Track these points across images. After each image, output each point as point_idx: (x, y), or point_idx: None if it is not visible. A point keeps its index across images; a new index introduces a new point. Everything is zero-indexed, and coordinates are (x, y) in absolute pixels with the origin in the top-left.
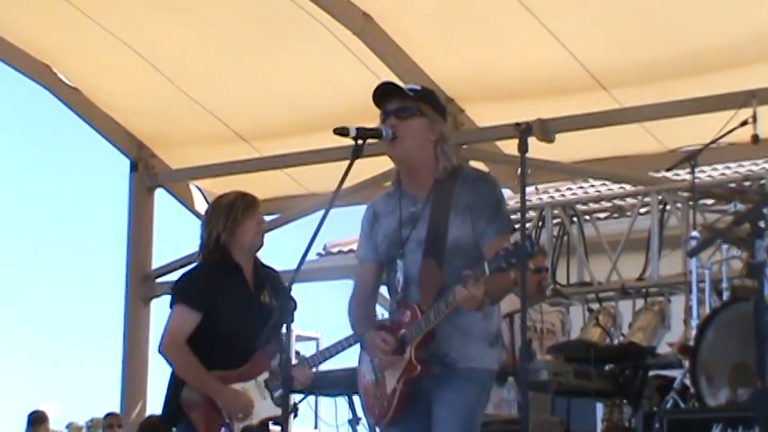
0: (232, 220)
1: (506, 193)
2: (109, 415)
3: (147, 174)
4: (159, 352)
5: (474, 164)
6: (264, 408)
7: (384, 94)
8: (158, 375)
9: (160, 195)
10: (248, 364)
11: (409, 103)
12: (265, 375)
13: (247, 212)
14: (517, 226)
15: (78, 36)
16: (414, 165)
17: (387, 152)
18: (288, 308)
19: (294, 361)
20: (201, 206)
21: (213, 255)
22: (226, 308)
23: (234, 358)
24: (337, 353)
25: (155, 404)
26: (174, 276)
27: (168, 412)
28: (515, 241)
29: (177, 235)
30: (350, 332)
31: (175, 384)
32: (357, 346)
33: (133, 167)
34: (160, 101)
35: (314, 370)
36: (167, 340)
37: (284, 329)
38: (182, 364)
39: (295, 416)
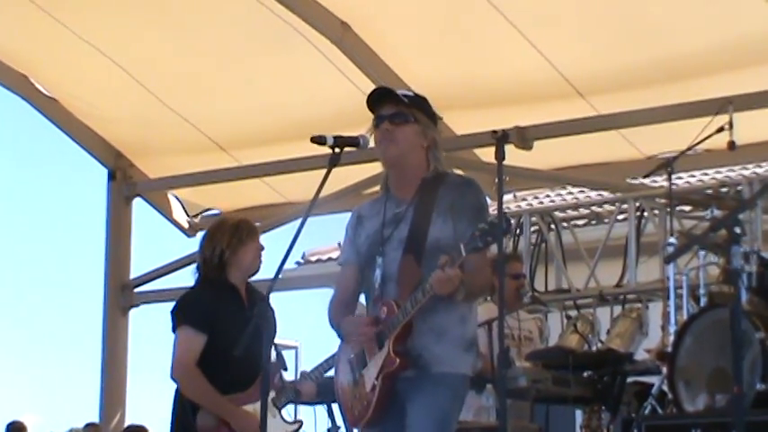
0: (237, 239)
1: None
2: (88, 425)
3: (125, 183)
4: (171, 378)
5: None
6: (276, 427)
7: (378, 99)
8: (137, 385)
9: (138, 205)
10: (254, 386)
11: (403, 108)
12: (272, 394)
13: (251, 235)
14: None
15: (55, 46)
16: (404, 169)
17: (379, 156)
18: (265, 315)
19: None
20: (180, 215)
21: (215, 271)
22: (227, 330)
23: (240, 381)
24: None
25: (133, 413)
26: (153, 285)
27: None
28: (491, 220)
29: (155, 244)
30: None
31: (183, 409)
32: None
33: (111, 177)
34: (138, 110)
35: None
36: (177, 366)
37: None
38: (194, 388)
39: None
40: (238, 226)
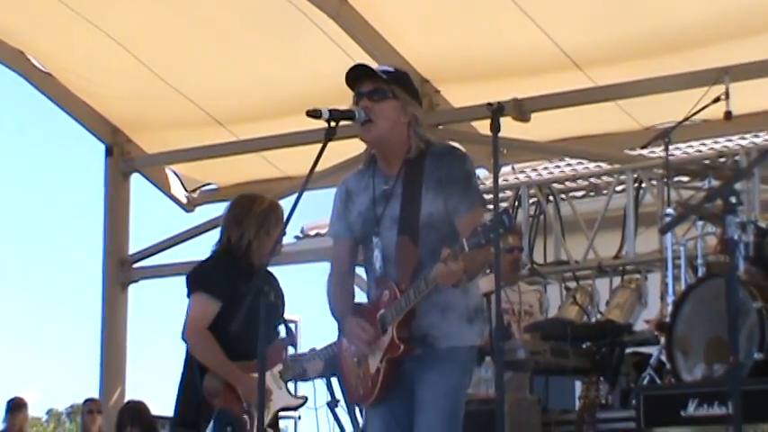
0: (265, 229)
1: (482, 172)
2: (88, 401)
3: (122, 159)
4: (182, 339)
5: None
6: (280, 398)
7: (357, 77)
8: (136, 360)
9: (136, 180)
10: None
11: (382, 85)
12: (279, 367)
13: (278, 226)
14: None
15: (51, 21)
16: (386, 147)
17: (359, 135)
18: (262, 288)
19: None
20: (178, 190)
21: (239, 254)
22: (240, 303)
23: (249, 351)
24: None
25: (133, 389)
26: (152, 261)
27: (190, 406)
28: (493, 216)
29: (154, 219)
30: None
31: (192, 372)
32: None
33: (108, 152)
34: (135, 85)
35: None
36: (190, 328)
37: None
38: (205, 350)
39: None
40: (267, 215)
